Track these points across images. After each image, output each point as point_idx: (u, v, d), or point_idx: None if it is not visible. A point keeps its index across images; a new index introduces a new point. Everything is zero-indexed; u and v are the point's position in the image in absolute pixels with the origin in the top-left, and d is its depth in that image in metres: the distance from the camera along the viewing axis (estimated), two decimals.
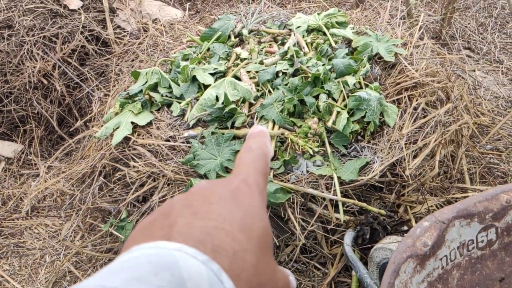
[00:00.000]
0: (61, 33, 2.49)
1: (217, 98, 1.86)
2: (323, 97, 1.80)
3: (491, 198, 1.15)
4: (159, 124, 1.90)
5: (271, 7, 2.71)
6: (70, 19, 2.60)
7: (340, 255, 1.69)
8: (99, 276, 0.28)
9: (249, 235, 0.34)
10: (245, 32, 2.32)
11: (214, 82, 1.94)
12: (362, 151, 1.74)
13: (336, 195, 1.60)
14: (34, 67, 2.42)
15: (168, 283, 0.27)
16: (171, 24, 2.67)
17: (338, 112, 1.77)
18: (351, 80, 1.86)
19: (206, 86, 1.94)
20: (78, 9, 2.65)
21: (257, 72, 1.99)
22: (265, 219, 0.36)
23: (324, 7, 2.80)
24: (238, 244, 0.32)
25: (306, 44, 2.14)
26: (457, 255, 1.13)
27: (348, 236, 1.54)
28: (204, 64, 2.11)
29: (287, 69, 1.95)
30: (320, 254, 1.73)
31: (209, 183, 0.39)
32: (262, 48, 2.19)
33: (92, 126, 2.24)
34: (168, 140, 1.84)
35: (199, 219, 0.33)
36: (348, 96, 1.81)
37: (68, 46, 2.48)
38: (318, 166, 1.70)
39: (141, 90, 2.02)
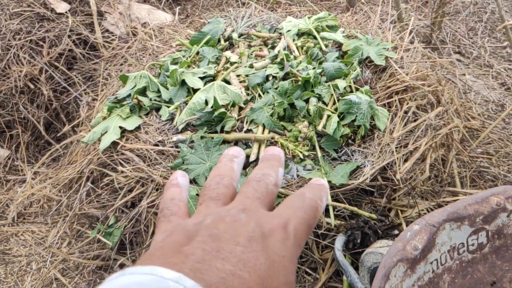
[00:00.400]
0: (48, 37, 2.46)
1: (206, 102, 1.84)
2: (313, 100, 1.79)
3: (481, 201, 1.14)
4: (148, 128, 1.88)
5: (262, 11, 2.70)
6: (57, 22, 2.57)
7: (331, 260, 1.68)
8: None
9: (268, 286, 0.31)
10: (235, 35, 2.31)
11: (204, 86, 1.92)
12: (352, 155, 1.73)
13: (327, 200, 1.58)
14: (20, 71, 2.39)
15: None
16: (161, 28, 2.65)
17: (328, 116, 1.76)
18: (341, 83, 1.85)
19: (195, 90, 1.92)
20: (66, 12, 2.62)
21: (247, 75, 1.97)
22: (290, 275, 0.33)
23: (315, 11, 2.80)
24: None
25: (297, 47, 2.13)
26: (448, 258, 1.12)
27: (339, 241, 1.52)
28: (194, 68, 2.10)
29: (277, 73, 1.94)
30: (311, 259, 1.71)
31: (247, 212, 0.35)
32: (252, 51, 2.17)
33: (80, 131, 2.21)
34: (157, 145, 1.81)
35: (219, 258, 0.30)
36: (338, 100, 1.80)
37: (55, 50, 2.45)
38: (308, 170, 1.68)
39: (130, 94, 1.99)
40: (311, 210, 0.38)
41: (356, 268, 1.49)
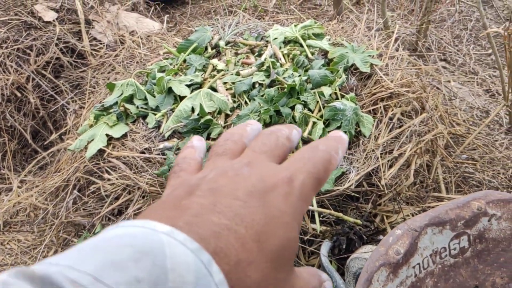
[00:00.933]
0: (35, 45, 2.45)
1: (193, 110, 1.85)
2: (299, 107, 1.80)
3: (463, 205, 1.15)
4: (134, 136, 1.88)
5: (249, 19, 2.72)
6: (45, 31, 2.57)
7: (317, 266, 1.68)
8: (73, 253, 0.25)
9: (263, 246, 0.29)
10: (222, 43, 2.32)
11: (190, 93, 1.93)
12: None
13: (312, 205, 1.59)
14: (7, 80, 2.38)
15: (148, 273, 0.24)
16: (148, 36, 2.66)
17: (314, 123, 1.77)
18: (327, 90, 1.87)
19: (182, 98, 1.93)
20: (53, 21, 2.62)
21: (233, 83, 1.99)
22: (291, 231, 0.31)
23: (302, 19, 2.82)
24: (246, 253, 0.28)
25: (283, 55, 2.15)
26: (430, 262, 1.13)
27: (325, 247, 1.53)
28: (181, 75, 2.10)
29: (264, 80, 1.96)
30: (298, 265, 1.71)
31: (251, 166, 0.34)
32: (239, 59, 2.19)
33: (67, 139, 2.20)
34: (143, 152, 1.81)
35: (215, 212, 0.29)
36: (324, 107, 1.82)
37: (42, 58, 2.44)
38: None
39: (117, 102, 1.99)
40: (323, 163, 0.35)
41: (342, 274, 1.50)
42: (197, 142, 0.43)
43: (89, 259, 0.24)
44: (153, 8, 3.31)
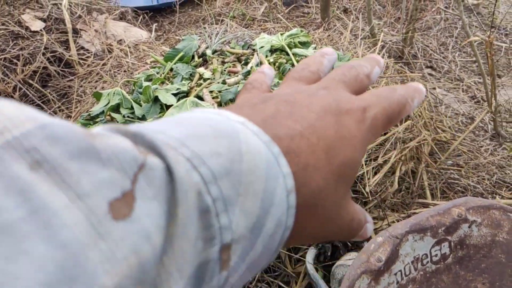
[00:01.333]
0: (22, 55, 2.45)
1: None
2: None
3: (443, 212, 1.17)
4: None
5: (236, 28, 2.74)
6: (32, 40, 2.57)
7: (303, 273, 1.69)
8: (159, 123, 0.25)
9: (332, 159, 0.30)
10: (209, 52, 2.34)
11: (177, 102, 1.94)
12: None
13: None
14: None
15: (226, 149, 0.24)
16: (136, 44, 2.67)
17: None
18: None
19: (168, 106, 1.93)
20: (41, 30, 2.62)
21: (220, 91, 2.00)
22: (358, 154, 0.32)
23: (289, 28, 2.85)
24: (314, 159, 0.29)
25: (269, 63, 2.17)
26: (412, 269, 1.14)
27: (310, 254, 1.54)
28: (167, 84, 2.11)
29: None
30: (284, 273, 1.71)
31: (327, 90, 0.34)
32: (226, 68, 2.20)
33: None
34: None
35: (291, 119, 0.30)
36: None
37: (29, 67, 2.44)
38: None
39: (103, 111, 1.99)
40: (397, 105, 0.35)
41: (328, 281, 1.51)
42: (268, 70, 0.43)
43: (174, 129, 0.24)
44: (141, 17, 3.32)
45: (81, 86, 2.46)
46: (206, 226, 0.23)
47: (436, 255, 1.17)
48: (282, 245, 0.29)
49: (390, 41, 3.28)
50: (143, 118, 1.94)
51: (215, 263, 0.24)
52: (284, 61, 2.18)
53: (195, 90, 2.03)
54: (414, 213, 1.79)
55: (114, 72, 2.45)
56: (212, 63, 2.26)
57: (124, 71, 2.44)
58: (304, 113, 0.31)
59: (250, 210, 0.25)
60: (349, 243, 1.52)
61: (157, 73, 2.23)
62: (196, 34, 2.55)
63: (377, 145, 1.82)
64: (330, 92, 0.34)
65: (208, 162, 0.23)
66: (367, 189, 1.66)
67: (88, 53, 2.72)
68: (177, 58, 2.26)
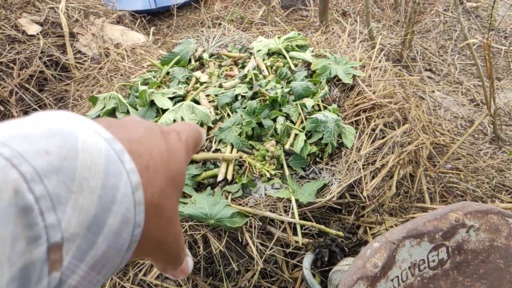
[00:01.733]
0: (18, 59, 2.44)
1: (174, 122, 1.84)
2: (280, 119, 1.80)
3: (440, 217, 1.15)
4: None
5: (234, 31, 2.72)
6: (29, 44, 2.56)
7: (301, 279, 1.67)
8: None
9: (166, 165, 0.33)
10: (205, 56, 2.32)
11: (173, 106, 1.92)
12: (320, 173, 1.74)
13: (294, 218, 1.58)
14: None
15: (58, 148, 0.24)
16: (133, 48, 2.65)
17: (296, 135, 1.77)
18: (309, 102, 1.87)
19: (164, 111, 1.92)
20: (37, 34, 2.61)
21: (216, 95, 1.98)
22: (184, 164, 0.36)
23: (287, 31, 2.84)
24: (153, 162, 0.31)
25: (266, 67, 2.15)
26: (409, 275, 1.12)
27: (307, 259, 1.52)
28: (164, 88, 2.10)
29: (246, 92, 1.95)
30: (281, 278, 1.70)
31: (143, 120, 0.38)
32: (222, 71, 2.19)
33: None
34: None
35: (127, 129, 0.32)
36: (306, 119, 1.82)
37: (26, 71, 2.43)
38: (276, 189, 1.68)
39: (99, 115, 1.98)
40: (198, 134, 0.43)
41: (326, 287, 1.49)
42: None
43: (2, 131, 0.24)
44: (139, 20, 3.31)
45: (77, 90, 2.45)
46: (28, 225, 0.23)
47: (433, 261, 1.16)
48: (135, 245, 0.29)
49: (389, 44, 3.27)
50: None
51: (43, 263, 0.23)
52: (281, 64, 2.16)
53: (192, 94, 2.01)
54: (413, 217, 1.77)
55: (110, 76, 2.43)
56: (209, 66, 2.25)
57: (121, 75, 2.42)
58: (134, 128, 0.33)
59: (86, 207, 0.25)
60: (346, 248, 1.50)
61: (154, 77, 2.22)
62: (193, 37, 2.53)
63: (375, 149, 1.80)
64: (152, 123, 0.38)
65: (32, 160, 0.23)
66: (365, 193, 1.64)
67: (85, 57, 2.70)
68: (173, 61, 2.25)
